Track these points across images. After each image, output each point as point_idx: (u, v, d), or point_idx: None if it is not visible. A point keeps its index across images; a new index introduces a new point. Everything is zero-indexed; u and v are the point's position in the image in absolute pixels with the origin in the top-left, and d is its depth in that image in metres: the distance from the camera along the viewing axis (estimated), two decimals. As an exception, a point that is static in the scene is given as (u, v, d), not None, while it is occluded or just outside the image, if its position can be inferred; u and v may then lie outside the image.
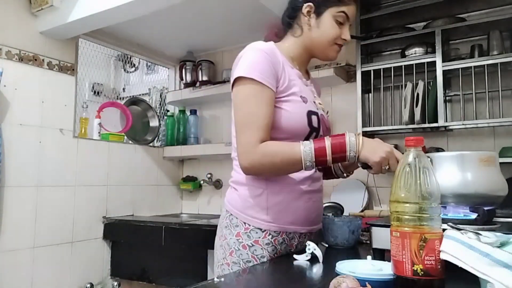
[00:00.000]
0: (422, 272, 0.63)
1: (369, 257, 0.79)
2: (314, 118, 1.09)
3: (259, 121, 0.99)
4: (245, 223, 1.08)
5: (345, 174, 1.23)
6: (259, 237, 1.06)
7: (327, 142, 0.98)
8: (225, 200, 1.16)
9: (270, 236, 1.07)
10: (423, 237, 0.64)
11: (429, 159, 0.71)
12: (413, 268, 0.64)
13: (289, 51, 1.16)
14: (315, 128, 1.09)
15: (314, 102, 1.15)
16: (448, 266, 0.65)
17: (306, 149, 0.97)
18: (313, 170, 1.12)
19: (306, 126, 1.07)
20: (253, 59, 1.03)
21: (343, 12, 1.10)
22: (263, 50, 1.04)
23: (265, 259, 1.05)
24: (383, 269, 0.74)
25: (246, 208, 1.08)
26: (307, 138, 1.08)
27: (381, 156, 0.95)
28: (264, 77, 1.01)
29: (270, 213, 1.07)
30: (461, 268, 0.61)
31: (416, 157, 0.69)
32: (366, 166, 1.01)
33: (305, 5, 1.13)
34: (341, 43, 1.14)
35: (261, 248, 1.05)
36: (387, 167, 0.96)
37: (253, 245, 1.06)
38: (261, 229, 1.07)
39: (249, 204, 1.08)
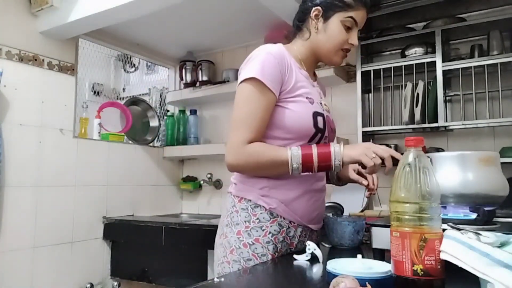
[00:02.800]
0: (422, 272, 0.63)
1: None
2: (319, 119, 1.09)
3: (252, 122, 1.03)
4: (248, 210, 1.08)
5: (340, 183, 1.29)
6: (260, 235, 1.06)
7: (314, 150, 1.02)
8: (230, 192, 1.17)
9: (270, 234, 1.07)
10: (423, 237, 0.64)
11: (429, 159, 0.71)
12: (413, 268, 0.64)
13: (298, 53, 1.17)
14: (320, 129, 1.10)
15: (320, 103, 1.15)
16: (448, 267, 0.65)
17: (294, 152, 1.02)
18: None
19: (312, 127, 1.08)
20: (263, 62, 1.04)
21: (351, 17, 1.10)
22: (272, 54, 1.05)
23: (265, 258, 1.05)
24: (373, 267, 0.73)
25: (255, 193, 1.10)
26: (312, 139, 1.09)
27: (361, 150, 1.00)
28: (270, 81, 1.03)
29: (273, 203, 1.09)
30: (461, 268, 0.61)
31: (416, 157, 0.69)
32: (363, 167, 1.04)
33: (314, 8, 1.13)
34: (348, 48, 1.14)
35: (262, 247, 1.06)
36: (374, 156, 0.99)
37: (253, 243, 1.06)
38: (264, 218, 1.07)
39: (253, 191, 1.10)
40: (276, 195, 1.08)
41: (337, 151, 1.01)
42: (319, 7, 1.12)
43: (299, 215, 1.11)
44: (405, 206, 0.66)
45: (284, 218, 1.09)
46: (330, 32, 1.11)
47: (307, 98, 1.09)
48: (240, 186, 1.13)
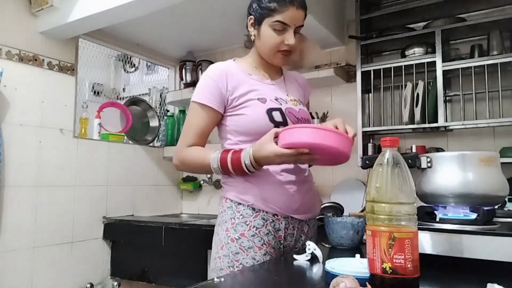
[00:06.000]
0: (390, 270, 0.65)
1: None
2: (275, 113, 1.17)
3: (191, 129, 1.21)
4: (232, 208, 1.18)
5: None
6: (245, 230, 1.14)
7: (229, 154, 1.12)
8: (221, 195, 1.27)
9: (254, 228, 1.14)
10: (393, 236, 0.65)
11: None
12: (382, 266, 0.65)
13: (251, 61, 1.28)
14: (279, 122, 1.17)
15: (277, 99, 1.22)
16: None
17: (214, 155, 1.14)
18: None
19: (268, 123, 1.16)
20: (202, 86, 1.21)
21: (278, 21, 1.16)
22: (211, 77, 1.20)
23: (252, 250, 1.12)
24: None
25: (235, 192, 1.21)
26: None
27: (269, 160, 1.07)
28: (207, 99, 1.18)
29: (250, 200, 1.17)
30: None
31: (390, 158, 0.69)
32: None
33: (249, 18, 1.24)
34: (286, 49, 1.19)
35: (248, 240, 1.13)
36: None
37: (240, 238, 1.14)
38: (247, 213, 1.16)
39: (236, 191, 1.21)
40: (253, 191, 1.16)
41: (244, 155, 1.10)
42: (252, 16, 1.22)
43: (278, 206, 1.16)
44: (377, 205, 0.68)
45: (266, 212, 1.16)
46: (263, 38, 1.20)
47: (258, 99, 1.18)
48: (224, 187, 1.25)
